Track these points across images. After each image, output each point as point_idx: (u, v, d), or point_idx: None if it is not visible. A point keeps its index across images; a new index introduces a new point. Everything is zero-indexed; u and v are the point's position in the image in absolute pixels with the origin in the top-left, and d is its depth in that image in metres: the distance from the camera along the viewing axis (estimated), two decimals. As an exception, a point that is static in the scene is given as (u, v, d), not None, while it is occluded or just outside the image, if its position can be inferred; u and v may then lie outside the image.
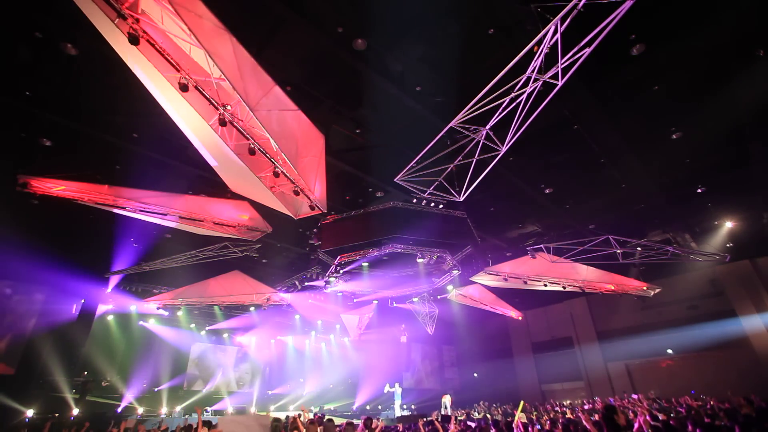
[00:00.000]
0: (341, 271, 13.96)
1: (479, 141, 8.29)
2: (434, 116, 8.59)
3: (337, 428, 7.94)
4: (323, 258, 12.93)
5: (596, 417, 8.50)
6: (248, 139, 6.85)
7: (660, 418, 7.31)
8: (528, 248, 13.09)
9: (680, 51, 7.42)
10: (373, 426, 6.84)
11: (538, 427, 8.22)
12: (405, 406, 18.58)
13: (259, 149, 7.05)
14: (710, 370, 16.17)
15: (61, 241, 12.19)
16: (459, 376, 25.99)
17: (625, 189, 11.73)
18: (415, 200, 10.91)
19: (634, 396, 15.97)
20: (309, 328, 22.71)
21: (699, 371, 16.59)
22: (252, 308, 17.10)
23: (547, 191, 11.69)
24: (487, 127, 7.92)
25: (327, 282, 14.49)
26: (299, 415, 8.02)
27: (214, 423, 7.78)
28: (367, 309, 19.33)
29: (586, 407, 14.57)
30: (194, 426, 7.28)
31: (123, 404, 15.26)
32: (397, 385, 17.42)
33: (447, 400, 15.20)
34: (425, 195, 10.31)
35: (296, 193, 8.37)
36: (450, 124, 7.87)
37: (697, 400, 12.92)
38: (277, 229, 11.61)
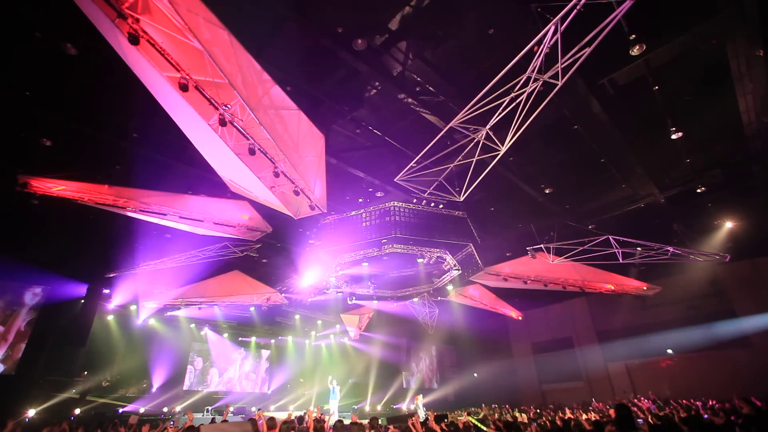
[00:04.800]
0: (341, 272, 13.97)
1: (479, 141, 8.29)
2: (434, 116, 8.59)
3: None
4: (323, 258, 12.94)
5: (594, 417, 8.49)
6: (248, 139, 6.85)
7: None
8: (528, 248, 13.08)
9: (680, 51, 7.42)
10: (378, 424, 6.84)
11: (535, 425, 8.21)
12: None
13: (259, 149, 7.05)
14: (710, 370, 16.17)
15: (62, 240, 12.19)
16: (459, 376, 25.99)
17: (625, 189, 11.73)
18: (415, 200, 10.92)
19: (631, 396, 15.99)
20: (309, 328, 22.73)
21: (699, 371, 16.59)
22: (252, 308, 17.08)
23: (547, 191, 11.69)
24: (487, 127, 7.92)
25: (327, 282, 14.49)
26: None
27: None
28: (367, 309, 19.34)
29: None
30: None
31: (123, 404, 15.26)
32: (334, 381, 15.03)
33: (419, 401, 14.67)
34: (425, 195, 10.30)
35: (296, 193, 8.37)
36: (450, 124, 7.86)
37: (698, 401, 12.91)
38: (277, 229, 11.61)
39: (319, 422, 6.25)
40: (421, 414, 12.93)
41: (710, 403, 11.56)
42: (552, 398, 20.69)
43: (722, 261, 13.24)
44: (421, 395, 15.46)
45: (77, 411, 13.41)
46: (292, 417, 9.47)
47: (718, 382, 15.09)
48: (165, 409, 16.10)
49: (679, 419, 6.01)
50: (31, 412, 12.00)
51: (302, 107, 7.07)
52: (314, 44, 7.06)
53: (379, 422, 7.11)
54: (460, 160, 8.96)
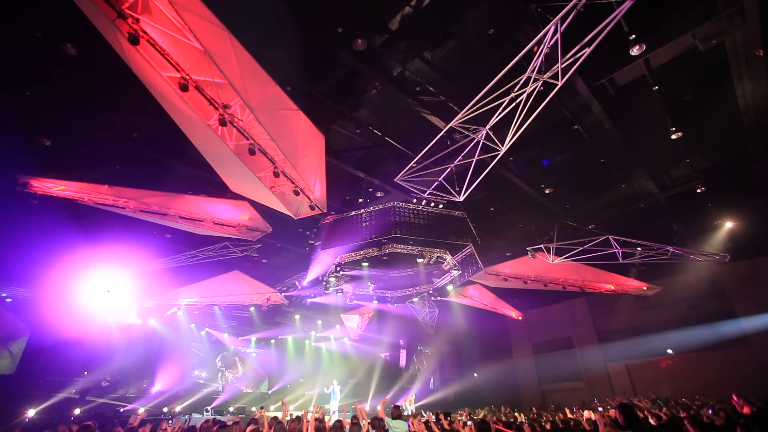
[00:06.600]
0: (341, 272, 13.96)
1: (479, 141, 8.28)
2: (434, 116, 8.59)
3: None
4: (323, 258, 12.93)
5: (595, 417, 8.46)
6: (248, 139, 6.86)
7: (663, 417, 7.32)
8: (528, 248, 13.08)
9: (680, 51, 7.42)
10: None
11: (527, 425, 8.22)
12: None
13: (259, 149, 7.06)
14: (710, 370, 16.15)
15: (61, 240, 12.16)
16: (459, 376, 25.97)
17: (624, 189, 11.73)
18: (415, 200, 10.91)
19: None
20: (309, 328, 22.71)
21: (699, 371, 16.57)
22: (252, 308, 17.08)
23: (547, 191, 11.69)
24: (487, 127, 7.92)
25: (327, 282, 14.49)
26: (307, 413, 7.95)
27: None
28: (367, 309, 19.33)
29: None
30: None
31: (123, 404, 15.25)
32: (335, 381, 16.14)
33: (410, 402, 14.54)
34: (425, 195, 10.30)
35: (296, 193, 8.38)
36: (450, 124, 7.86)
37: (696, 401, 12.92)
38: (277, 229, 11.61)
39: (321, 422, 6.24)
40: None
41: (710, 402, 11.56)
42: (552, 398, 20.68)
43: (722, 261, 13.24)
44: (413, 397, 15.41)
45: (77, 411, 13.41)
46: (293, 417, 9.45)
47: (718, 382, 15.07)
48: (165, 409, 16.10)
49: (680, 419, 6.01)
50: (31, 412, 12.01)
51: (302, 107, 7.07)
52: (314, 44, 7.05)
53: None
54: (460, 160, 8.96)
